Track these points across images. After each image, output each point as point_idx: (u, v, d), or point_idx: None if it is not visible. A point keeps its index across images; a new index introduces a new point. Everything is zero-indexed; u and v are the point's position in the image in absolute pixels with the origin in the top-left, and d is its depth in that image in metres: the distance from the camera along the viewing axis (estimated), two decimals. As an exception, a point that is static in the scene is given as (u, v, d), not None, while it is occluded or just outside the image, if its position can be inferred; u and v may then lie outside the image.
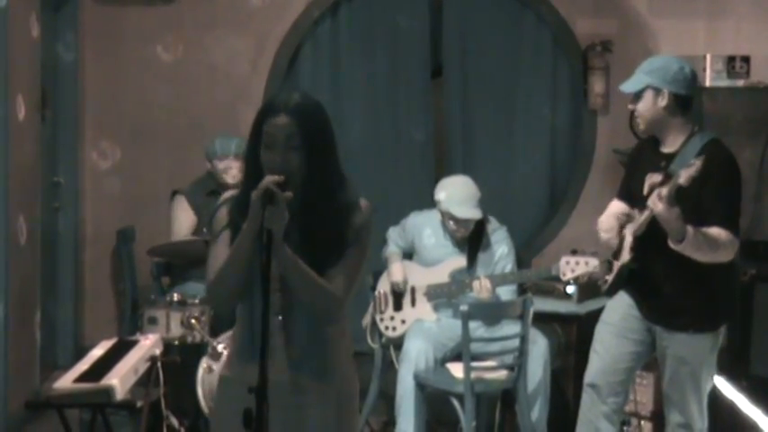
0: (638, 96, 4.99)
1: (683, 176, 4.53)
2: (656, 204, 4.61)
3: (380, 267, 6.56)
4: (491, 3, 7.80)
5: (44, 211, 7.02)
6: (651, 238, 4.83)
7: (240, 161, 6.63)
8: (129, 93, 7.74)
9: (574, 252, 6.13)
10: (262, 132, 3.35)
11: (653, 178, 4.87)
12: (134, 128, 7.75)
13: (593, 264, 5.92)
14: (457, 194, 6.30)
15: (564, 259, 6.05)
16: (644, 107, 4.97)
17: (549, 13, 7.65)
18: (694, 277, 4.85)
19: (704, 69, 6.79)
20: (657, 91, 4.92)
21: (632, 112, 7.11)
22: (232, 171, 6.67)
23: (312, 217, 3.36)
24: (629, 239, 4.97)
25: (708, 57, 6.87)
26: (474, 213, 6.26)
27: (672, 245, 4.68)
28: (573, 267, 6.00)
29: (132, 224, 7.49)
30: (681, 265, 4.78)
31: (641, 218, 4.85)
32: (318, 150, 3.34)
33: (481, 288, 6.16)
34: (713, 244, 4.71)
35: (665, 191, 4.59)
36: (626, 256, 4.98)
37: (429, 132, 7.90)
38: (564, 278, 6.05)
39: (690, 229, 4.63)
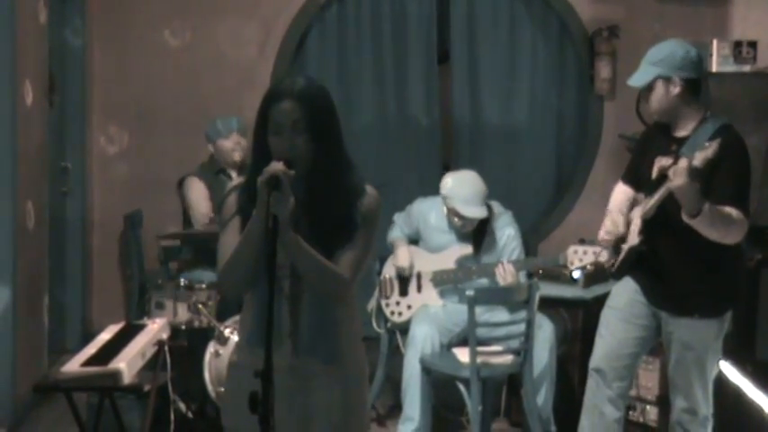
0: (648, 88, 4.93)
1: (698, 158, 4.50)
2: (678, 177, 4.56)
3: (386, 252, 6.56)
4: (498, -13, 7.83)
5: (52, 195, 7.05)
6: (660, 221, 4.82)
7: (243, 137, 6.68)
8: (136, 78, 7.76)
9: (582, 241, 6.12)
10: (268, 118, 3.37)
11: (662, 162, 4.85)
12: (141, 113, 7.77)
13: (600, 253, 5.91)
14: (463, 192, 6.26)
15: (572, 248, 6.04)
16: (656, 98, 4.91)
17: (557, -2, 7.67)
18: (702, 262, 4.84)
19: (711, 55, 6.79)
20: (668, 80, 4.87)
21: (638, 98, 7.17)
22: (238, 148, 6.72)
23: (319, 202, 3.36)
24: (637, 222, 4.96)
25: (714, 42, 6.87)
26: (479, 212, 6.23)
27: (686, 219, 4.63)
28: (581, 257, 5.99)
29: (140, 209, 7.50)
30: (689, 249, 4.77)
31: (651, 201, 4.83)
32: (324, 134, 3.35)
33: (505, 273, 6.15)
34: (726, 221, 4.68)
35: (684, 162, 4.55)
36: (634, 239, 4.96)
37: (435, 117, 7.92)
38: (572, 267, 6.04)
39: (706, 203, 4.61)
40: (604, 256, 5.82)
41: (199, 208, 6.71)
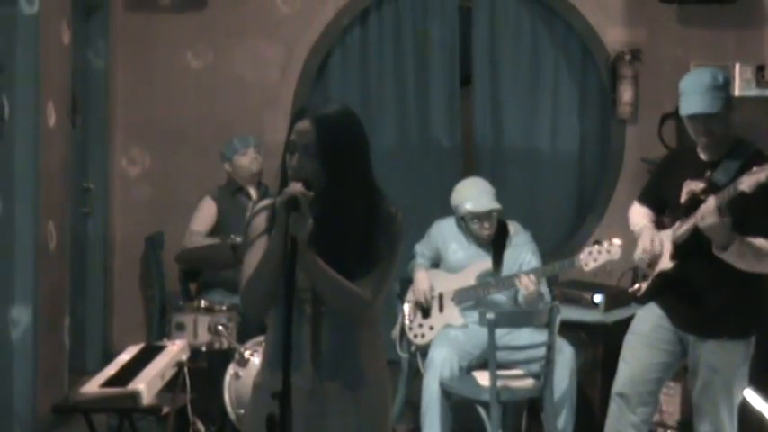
0: (712, 116, 4.76)
1: (746, 183, 4.44)
2: (708, 217, 4.53)
3: (409, 277, 6.55)
4: (520, 11, 7.82)
5: (74, 216, 7.06)
6: (691, 245, 4.80)
7: (260, 154, 6.86)
8: (158, 99, 7.78)
9: (596, 242, 6.11)
10: (289, 135, 3.38)
11: (691, 186, 4.83)
12: (163, 134, 7.79)
13: (615, 251, 5.93)
14: (472, 192, 6.31)
15: (586, 250, 6.04)
16: (725, 123, 4.79)
17: (579, 21, 7.65)
18: (732, 285, 4.81)
19: (733, 78, 6.77)
20: (730, 102, 4.82)
21: (661, 122, 7.17)
22: (255, 162, 6.84)
23: (333, 226, 3.36)
24: (667, 246, 4.94)
25: (737, 66, 6.86)
26: (493, 205, 6.26)
27: (716, 252, 4.64)
28: (595, 257, 6.00)
29: (161, 230, 7.52)
30: (720, 272, 4.75)
31: (684, 227, 4.82)
32: (337, 161, 3.33)
33: (527, 283, 6.12)
34: (758, 254, 4.67)
35: (713, 202, 4.53)
36: (666, 264, 4.94)
37: (458, 140, 7.92)
38: (586, 268, 6.02)
39: (736, 237, 4.60)
40: (617, 254, 5.84)
41: (193, 225, 6.78)
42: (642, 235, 5.09)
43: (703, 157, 4.92)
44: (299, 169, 3.31)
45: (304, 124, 3.34)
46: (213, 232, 6.79)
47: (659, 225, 5.09)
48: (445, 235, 6.51)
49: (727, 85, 4.83)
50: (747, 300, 4.91)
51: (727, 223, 4.55)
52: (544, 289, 6.30)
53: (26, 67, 6.09)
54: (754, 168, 4.49)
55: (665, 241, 4.97)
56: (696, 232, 4.71)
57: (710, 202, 4.54)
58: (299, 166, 3.32)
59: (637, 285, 5.18)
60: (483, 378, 5.97)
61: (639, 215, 5.23)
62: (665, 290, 5.03)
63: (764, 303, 5.07)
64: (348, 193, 3.36)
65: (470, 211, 6.28)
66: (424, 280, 6.43)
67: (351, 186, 3.37)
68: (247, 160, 6.85)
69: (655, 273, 5.03)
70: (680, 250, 4.89)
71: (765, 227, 4.69)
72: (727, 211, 4.54)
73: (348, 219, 3.36)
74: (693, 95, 4.78)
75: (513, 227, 6.46)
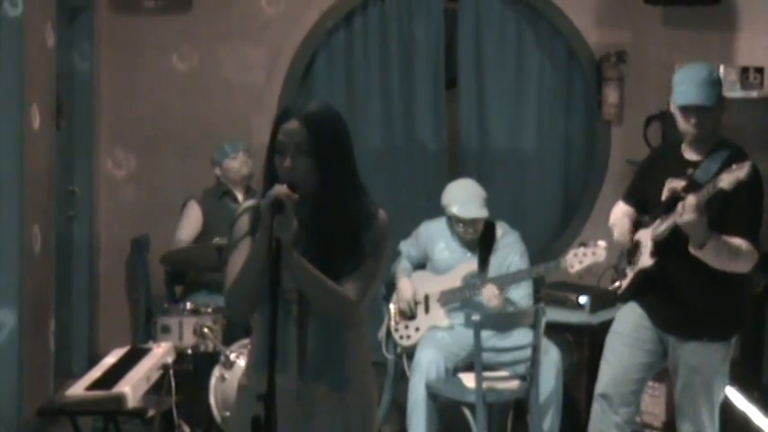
0: (706, 109, 4.79)
1: (726, 180, 4.45)
2: (687, 213, 4.54)
3: (394, 278, 6.55)
4: (505, 13, 7.82)
5: (59, 219, 7.05)
6: (671, 243, 4.81)
7: (250, 158, 6.88)
8: (144, 102, 7.77)
9: (582, 244, 6.10)
10: (276, 138, 3.38)
11: (673, 183, 4.84)
12: (149, 137, 7.78)
13: (600, 254, 5.90)
14: (461, 196, 6.31)
15: (572, 251, 6.02)
16: (714, 118, 4.83)
17: (564, 23, 7.66)
18: (712, 284, 4.80)
19: (718, 80, 6.78)
20: (722, 100, 4.85)
21: (647, 124, 7.18)
22: (246, 165, 6.91)
23: (324, 225, 3.36)
24: (647, 244, 4.95)
25: (721, 68, 6.85)
26: (479, 212, 6.27)
27: (692, 250, 4.65)
28: (581, 259, 5.97)
29: (146, 233, 7.51)
30: (703, 271, 4.74)
31: (665, 224, 4.82)
32: (329, 159, 3.34)
33: (491, 297, 6.14)
34: (734, 253, 4.68)
35: (693, 199, 4.54)
36: (647, 261, 4.94)
37: (443, 142, 7.92)
38: (572, 270, 5.99)
39: (712, 236, 4.61)
40: (602, 256, 5.84)
41: (180, 233, 6.83)
42: (616, 225, 5.12)
43: (687, 155, 4.93)
44: (292, 169, 3.31)
45: (292, 124, 3.34)
46: (200, 237, 6.81)
47: (640, 223, 5.10)
48: (433, 235, 6.51)
49: (721, 82, 4.86)
50: (728, 301, 4.92)
51: (705, 221, 4.56)
52: (516, 294, 6.31)
53: (10, 70, 6.07)
54: (734, 166, 4.49)
55: (645, 240, 4.98)
56: (676, 229, 4.72)
57: (690, 199, 4.54)
58: (292, 165, 3.32)
59: (618, 283, 5.18)
60: (469, 380, 5.97)
61: (619, 213, 5.24)
62: (646, 288, 5.03)
63: (746, 304, 5.09)
64: (340, 190, 3.37)
65: (456, 215, 6.28)
66: (407, 288, 6.43)
67: (342, 183, 3.38)
68: (237, 164, 6.88)
69: (635, 270, 5.04)
70: (659, 247, 4.90)
71: (742, 226, 4.71)
72: (705, 208, 4.55)
73: (339, 217, 3.36)
74: (689, 86, 4.79)
75: (501, 228, 6.47)
